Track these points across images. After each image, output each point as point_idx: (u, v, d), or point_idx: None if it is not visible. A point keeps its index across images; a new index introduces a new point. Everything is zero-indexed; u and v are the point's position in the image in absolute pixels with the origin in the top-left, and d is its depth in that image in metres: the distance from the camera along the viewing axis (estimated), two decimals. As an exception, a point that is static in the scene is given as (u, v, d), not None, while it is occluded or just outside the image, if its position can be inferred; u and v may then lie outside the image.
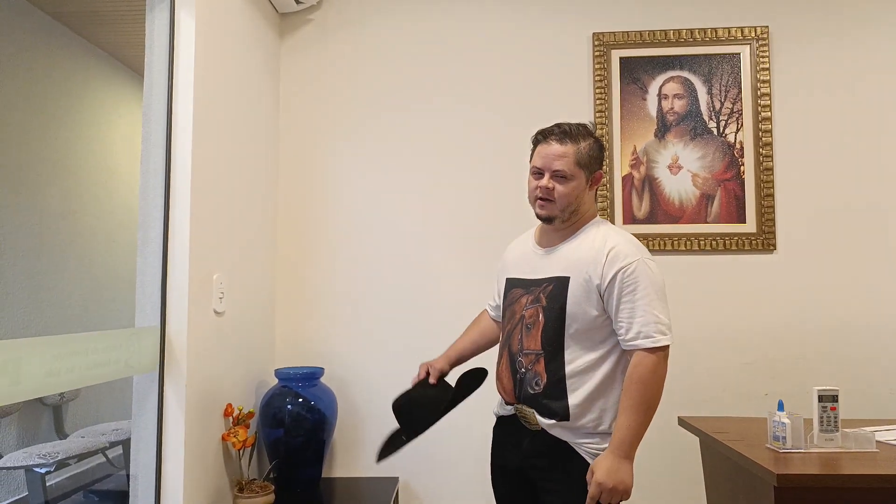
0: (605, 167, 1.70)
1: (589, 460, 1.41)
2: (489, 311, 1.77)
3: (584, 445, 1.43)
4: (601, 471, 1.34)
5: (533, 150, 1.53)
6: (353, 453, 2.37)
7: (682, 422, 1.98)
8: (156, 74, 1.81)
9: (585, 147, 1.47)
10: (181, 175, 1.79)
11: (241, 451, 2.05)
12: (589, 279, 1.42)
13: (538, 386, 1.45)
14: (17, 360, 1.22)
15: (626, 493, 1.35)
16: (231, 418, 1.98)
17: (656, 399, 1.38)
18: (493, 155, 2.43)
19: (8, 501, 2.48)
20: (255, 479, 1.98)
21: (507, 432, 1.55)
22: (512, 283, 1.58)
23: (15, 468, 2.29)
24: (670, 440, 2.26)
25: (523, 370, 1.48)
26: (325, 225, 2.46)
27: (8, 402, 1.22)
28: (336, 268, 2.44)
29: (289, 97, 2.52)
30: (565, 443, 1.44)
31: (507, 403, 1.54)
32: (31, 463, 2.23)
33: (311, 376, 2.16)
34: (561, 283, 1.45)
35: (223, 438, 1.94)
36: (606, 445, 1.40)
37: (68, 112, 3.04)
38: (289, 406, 2.09)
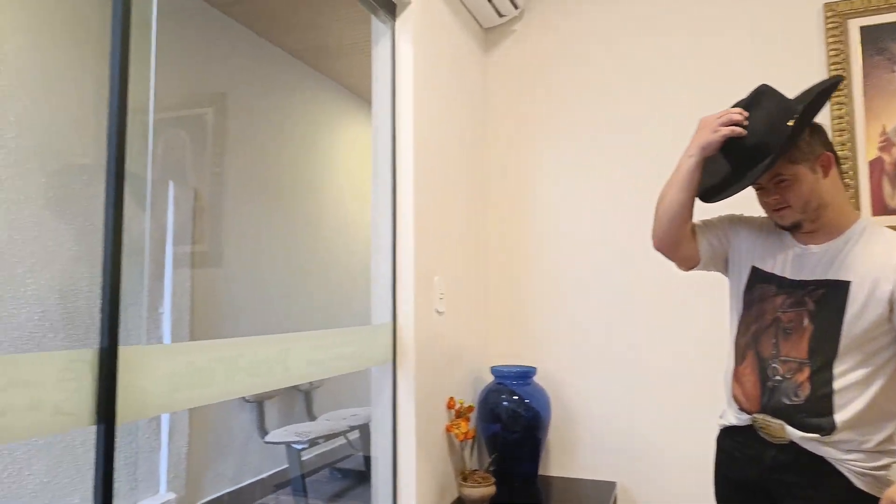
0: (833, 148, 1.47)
1: (851, 478, 1.28)
2: (699, 235, 1.50)
3: (847, 463, 1.29)
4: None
5: None
6: (568, 453, 2.38)
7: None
8: (381, 99, 2.02)
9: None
10: (405, 189, 1.97)
11: (463, 443, 2.19)
12: (876, 286, 1.27)
13: (798, 397, 1.32)
14: (287, 351, 1.45)
15: None
16: (453, 411, 2.12)
17: None
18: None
19: (273, 471, 2.94)
20: (476, 470, 2.09)
21: (741, 444, 1.43)
22: (761, 277, 1.43)
23: (278, 443, 2.71)
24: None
25: (778, 378, 1.35)
26: (534, 229, 2.51)
27: (282, 386, 1.45)
28: (545, 270, 2.48)
29: (495, 108, 2.62)
30: (821, 458, 1.31)
31: (744, 412, 1.42)
32: (291, 440, 2.62)
33: (525, 375, 2.22)
34: (838, 289, 1.31)
35: (447, 430, 2.08)
36: (875, 463, 1.28)
37: (310, 137, 3.51)
38: (504, 402, 2.18)
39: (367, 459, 3.05)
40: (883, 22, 2.09)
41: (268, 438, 2.71)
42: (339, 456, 3.22)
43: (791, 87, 2.18)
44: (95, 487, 0.98)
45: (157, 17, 2.53)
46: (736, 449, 1.45)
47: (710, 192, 1.46)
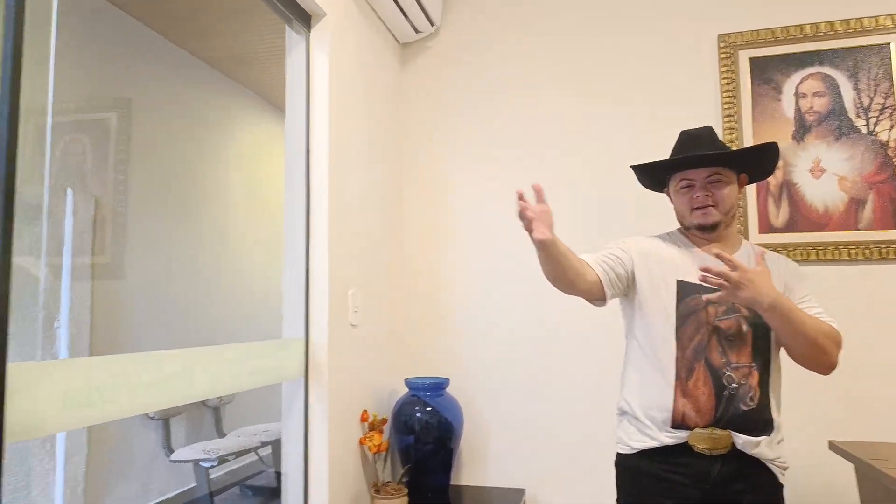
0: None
1: (777, 474, 1.41)
2: (592, 265, 1.49)
3: (776, 461, 1.41)
4: (755, 274, 1.31)
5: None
6: (479, 463, 2.43)
7: (834, 446, 1.84)
8: (294, 109, 2.01)
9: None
10: (319, 201, 1.96)
11: (376, 455, 2.19)
12: (787, 289, 1.47)
13: (752, 402, 1.37)
14: (192, 367, 1.41)
15: (738, 286, 1.30)
16: (367, 423, 2.12)
17: (811, 341, 1.35)
18: (617, 165, 2.41)
19: (179, 490, 2.82)
20: (389, 482, 2.10)
21: (676, 465, 1.39)
22: (689, 289, 1.45)
23: (185, 461, 2.60)
24: (821, 468, 2.10)
25: (735, 385, 1.37)
26: (449, 243, 2.56)
27: (187, 402, 1.41)
28: (459, 282, 2.53)
29: (410, 122, 2.67)
30: (756, 460, 1.38)
31: (681, 428, 1.38)
32: (198, 457, 2.52)
33: (438, 386, 2.25)
34: None
35: (360, 442, 2.08)
36: (782, 455, 1.42)
37: (220, 145, 3.42)
38: (418, 414, 2.20)
39: (279, 475, 2.98)
40: (769, 54, 2.31)
41: (174, 457, 2.59)
42: (250, 473, 3.13)
43: (688, 109, 2.36)
44: (-25, 515, 0.92)
45: (57, 16, 2.40)
46: (669, 471, 1.39)
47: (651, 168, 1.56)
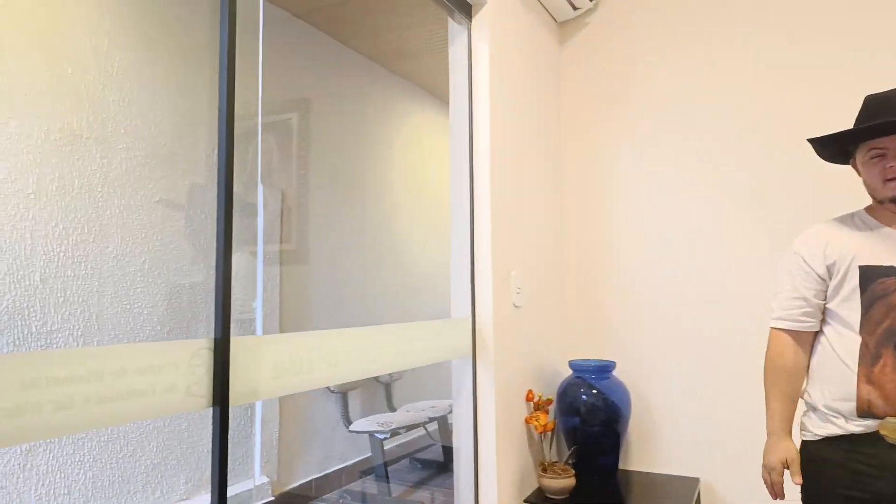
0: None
1: None
2: (802, 320, 1.46)
3: None
4: None
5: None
6: (648, 448, 2.36)
7: None
8: (458, 98, 2.07)
9: None
10: (482, 185, 2.01)
11: (542, 435, 2.21)
12: None
13: None
14: (377, 343, 1.52)
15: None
16: (532, 403, 2.15)
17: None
18: (789, 138, 2.18)
19: (357, 459, 3.07)
20: (556, 462, 2.12)
21: (865, 455, 1.32)
22: (875, 273, 1.35)
23: (361, 432, 2.83)
24: None
25: None
26: (611, 223, 2.49)
27: (370, 375, 1.53)
28: (622, 264, 2.46)
29: (570, 101, 2.62)
30: None
31: (870, 416, 1.31)
32: (373, 429, 2.73)
33: (604, 369, 2.22)
34: None
35: (526, 421, 2.12)
36: None
37: (388, 136, 3.62)
38: (583, 396, 2.18)
39: (447, 450, 3.13)
40: None
41: (352, 428, 2.83)
42: (419, 446, 3.31)
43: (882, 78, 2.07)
44: (213, 465, 1.09)
45: (241, 30, 2.69)
46: (857, 461, 1.33)
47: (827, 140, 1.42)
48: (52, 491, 1.94)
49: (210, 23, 2.57)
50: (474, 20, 2.06)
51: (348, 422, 2.94)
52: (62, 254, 2.01)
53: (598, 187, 2.53)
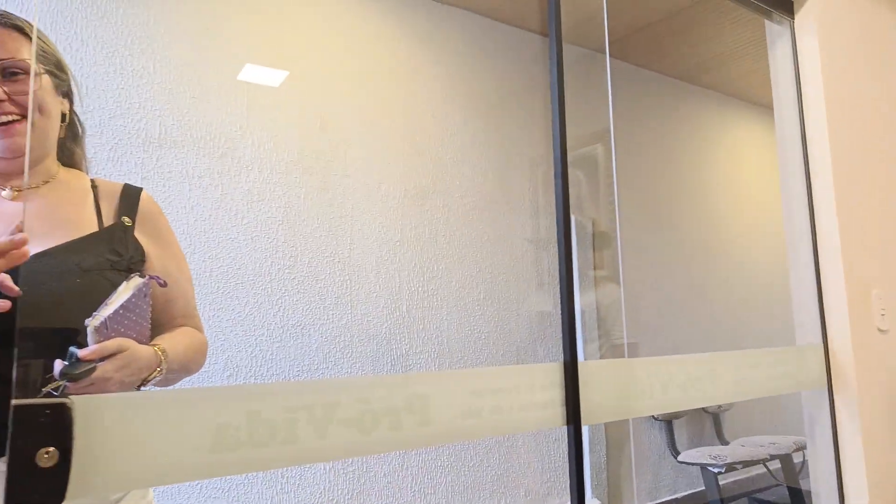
0: None
1: None
2: None
3: None
4: None
5: None
6: None
7: None
8: (784, 103, 1.89)
9: None
10: (824, 195, 1.79)
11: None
12: None
13: None
14: (715, 370, 1.47)
15: None
16: (913, 448, 1.79)
17: None
18: None
19: (688, 492, 2.93)
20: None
21: None
22: None
23: (692, 464, 2.69)
24: None
25: None
26: None
27: (710, 404, 1.48)
28: None
29: (936, 79, 2.17)
30: None
31: None
32: (706, 462, 2.57)
33: None
34: None
35: (907, 469, 1.78)
36: None
37: (695, 152, 3.46)
38: None
39: (793, 492, 2.77)
40: None
41: (681, 458, 2.71)
42: (758, 485, 3.01)
43: None
44: (570, 479, 1.18)
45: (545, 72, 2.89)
46: None
47: None
48: (421, 490, 2.31)
49: (518, 76, 2.84)
50: (797, 17, 1.88)
51: (675, 451, 2.83)
52: (419, 288, 2.42)
53: None
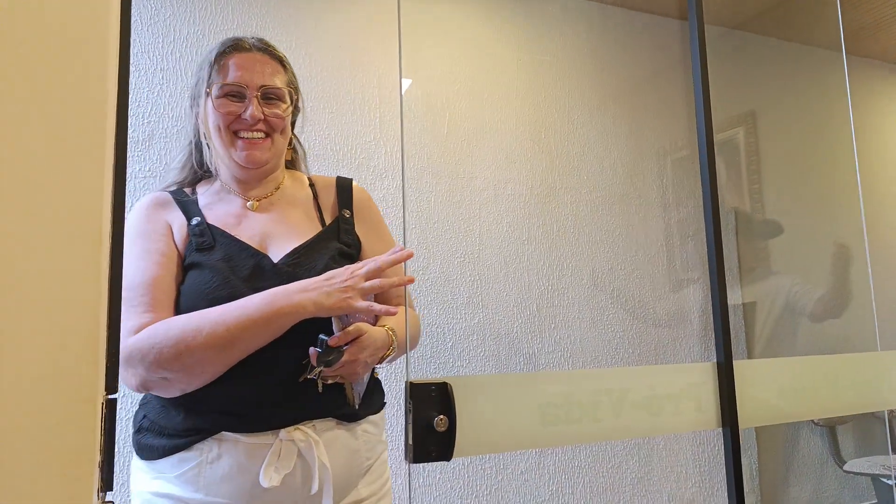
0: None
1: None
2: None
3: None
4: None
5: None
6: None
7: None
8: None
9: None
10: None
11: None
12: None
13: None
14: (881, 372, 1.32)
15: None
16: None
17: None
18: None
19: (857, 505, 2.65)
20: None
21: None
22: None
23: (861, 474, 2.43)
24: None
25: None
26: None
27: (878, 409, 1.33)
28: None
29: None
30: None
31: None
32: (878, 472, 2.31)
33: None
34: None
35: None
36: None
37: (854, 127, 3.12)
38: None
39: None
40: None
41: (847, 467, 2.46)
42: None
43: None
44: (728, 486, 1.12)
45: (688, 57, 2.75)
46: None
47: None
48: (558, 490, 2.28)
49: (648, 64, 2.72)
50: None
51: (840, 460, 2.58)
52: (549, 287, 2.39)
53: None
